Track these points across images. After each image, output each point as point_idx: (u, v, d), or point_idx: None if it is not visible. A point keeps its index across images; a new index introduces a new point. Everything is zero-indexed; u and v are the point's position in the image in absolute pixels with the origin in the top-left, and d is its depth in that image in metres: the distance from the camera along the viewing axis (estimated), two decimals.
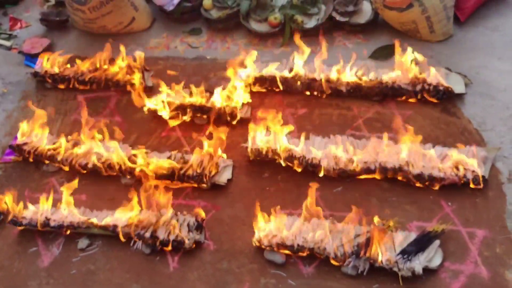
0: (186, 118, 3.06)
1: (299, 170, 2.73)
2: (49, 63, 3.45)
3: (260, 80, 3.19)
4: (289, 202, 2.63)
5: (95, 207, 2.72)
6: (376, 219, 2.41)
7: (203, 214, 2.56)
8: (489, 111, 2.94)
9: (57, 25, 3.92)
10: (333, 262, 2.35)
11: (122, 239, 2.54)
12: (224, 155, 2.86)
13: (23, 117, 3.28)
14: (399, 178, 2.63)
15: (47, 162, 2.97)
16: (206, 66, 3.47)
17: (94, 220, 2.57)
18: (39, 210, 2.66)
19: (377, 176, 2.66)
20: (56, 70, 3.42)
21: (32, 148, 2.97)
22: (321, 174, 2.69)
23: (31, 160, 3.00)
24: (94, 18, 3.65)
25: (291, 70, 3.15)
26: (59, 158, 2.92)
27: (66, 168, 2.93)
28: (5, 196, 2.69)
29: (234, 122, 3.04)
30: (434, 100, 3.00)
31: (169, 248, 2.49)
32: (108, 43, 3.37)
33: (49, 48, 3.72)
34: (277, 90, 3.20)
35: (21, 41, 3.83)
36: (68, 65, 3.48)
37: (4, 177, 2.99)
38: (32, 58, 3.66)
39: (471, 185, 2.55)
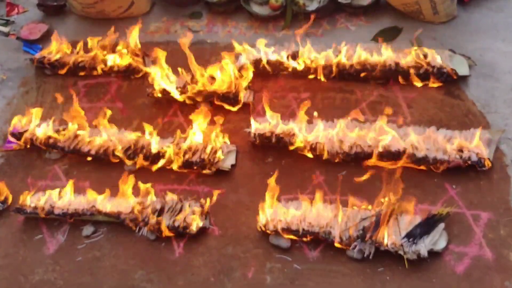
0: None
1: (310, 155, 2.71)
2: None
3: (261, 64, 3.15)
4: (293, 187, 2.62)
5: (98, 194, 2.70)
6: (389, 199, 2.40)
7: (211, 200, 2.58)
8: (493, 93, 2.93)
9: (54, 10, 3.86)
10: (338, 246, 2.35)
11: (132, 227, 2.54)
12: (227, 140, 2.85)
13: (24, 103, 3.25)
14: (403, 161, 2.62)
15: (49, 149, 2.95)
16: (207, 50, 3.43)
17: (100, 206, 2.58)
18: (43, 197, 2.66)
19: (381, 159, 2.65)
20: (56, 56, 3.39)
21: (33, 136, 2.94)
22: (325, 158, 2.68)
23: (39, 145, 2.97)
24: (93, 2, 3.60)
25: (293, 55, 3.12)
26: (61, 145, 2.90)
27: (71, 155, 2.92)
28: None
29: (236, 108, 3.02)
30: (438, 83, 2.97)
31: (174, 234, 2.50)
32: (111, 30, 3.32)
33: (47, 34, 3.66)
34: (280, 73, 3.17)
35: (19, 27, 3.77)
36: (68, 51, 3.44)
37: (6, 165, 2.97)
38: (30, 44, 3.61)
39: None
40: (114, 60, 3.30)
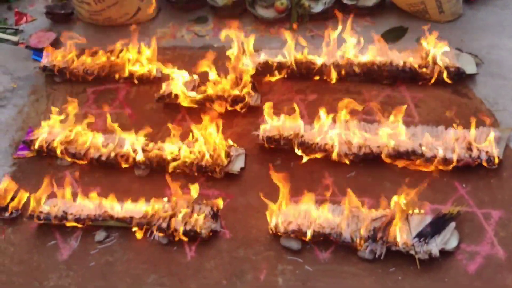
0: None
1: (319, 156, 2.72)
2: (57, 57, 3.45)
3: (267, 67, 3.17)
4: (302, 189, 2.63)
5: (109, 199, 2.73)
6: (399, 199, 2.40)
7: (220, 205, 2.60)
8: (501, 91, 2.92)
9: (62, 18, 3.90)
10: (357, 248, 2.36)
11: (139, 235, 2.57)
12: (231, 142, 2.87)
13: (34, 111, 3.29)
14: (412, 161, 2.62)
15: (60, 156, 2.98)
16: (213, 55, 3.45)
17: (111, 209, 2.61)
18: (56, 204, 2.69)
19: (390, 159, 2.65)
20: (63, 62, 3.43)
21: (45, 143, 2.98)
22: (334, 159, 2.69)
23: (44, 154, 3.01)
24: (100, 9, 3.64)
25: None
26: (72, 151, 2.94)
27: (82, 162, 2.96)
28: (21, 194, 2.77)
29: (244, 110, 3.03)
30: (446, 82, 2.97)
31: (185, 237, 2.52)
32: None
33: (56, 42, 3.71)
34: (286, 76, 3.18)
35: (28, 36, 3.82)
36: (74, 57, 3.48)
37: (18, 172, 3.00)
38: (39, 52, 3.65)
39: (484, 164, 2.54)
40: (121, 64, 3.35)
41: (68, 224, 2.63)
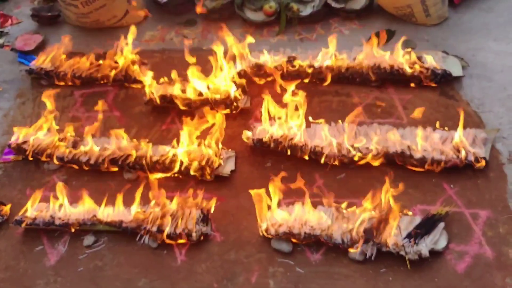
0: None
1: (306, 157, 2.73)
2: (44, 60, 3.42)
3: (257, 69, 3.17)
4: (293, 191, 2.63)
5: (98, 203, 2.70)
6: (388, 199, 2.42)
7: (211, 205, 2.58)
8: (486, 93, 2.97)
9: (49, 21, 3.86)
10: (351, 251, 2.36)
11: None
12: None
13: (21, 115, 3.24)
14: (401, 162, 2.64)
15: (47, 160, 2.94)
16: (202, 58, 3.43)
17: (100, 214, 2.58)
18: (44, 208, 2.66)
19: (379, 161, 2.67)
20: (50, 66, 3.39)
21: (31, 147, 2.93)
22: (324, 161, 2.70)
23: (30, 158, 2.96)
24: (87, 12, 3.61)
25: (289, 59, 3.15)
26: (59, 155, 2.90)
27: (70, 166, 2.92)
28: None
29: (234, 112, 3.04)
30: (432, 84, 3.01)
31: (180, 241, 2.50)
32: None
33: (42, 44, 3.67)
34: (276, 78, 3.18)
35: (13, 38, 3.77)
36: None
37: (4, 177, 2.95)
38: (25, 55, 3.61)
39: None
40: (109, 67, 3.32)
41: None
